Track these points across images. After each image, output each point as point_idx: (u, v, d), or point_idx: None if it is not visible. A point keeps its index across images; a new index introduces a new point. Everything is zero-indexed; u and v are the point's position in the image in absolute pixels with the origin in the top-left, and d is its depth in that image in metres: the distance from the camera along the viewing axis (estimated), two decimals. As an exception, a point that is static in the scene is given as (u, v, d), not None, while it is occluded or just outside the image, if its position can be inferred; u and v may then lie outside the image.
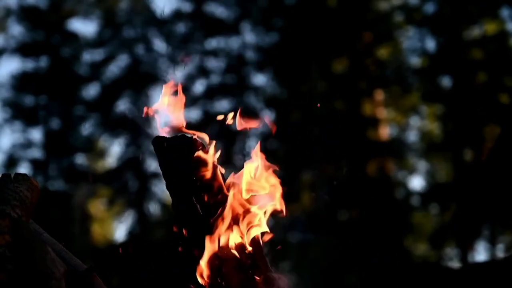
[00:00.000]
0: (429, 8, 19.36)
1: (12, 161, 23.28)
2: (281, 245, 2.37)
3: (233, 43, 22.23)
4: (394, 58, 20.22)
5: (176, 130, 2.38)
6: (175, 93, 2.50)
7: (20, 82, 23.67)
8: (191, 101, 21.82)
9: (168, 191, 2.32)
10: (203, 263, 2.17)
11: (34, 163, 23.48)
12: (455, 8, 17.96)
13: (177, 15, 22.84)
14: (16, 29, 24.39)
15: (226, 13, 22.25)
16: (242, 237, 2.23)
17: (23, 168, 23.48)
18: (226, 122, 2.48)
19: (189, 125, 2.44)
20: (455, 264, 18.69)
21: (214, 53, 22.21)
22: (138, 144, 22.96)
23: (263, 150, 2.43)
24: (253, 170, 2.34)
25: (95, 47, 24.32)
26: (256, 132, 22.06)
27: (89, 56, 24.47)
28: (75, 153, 24.07)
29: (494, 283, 4.01)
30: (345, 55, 19.80)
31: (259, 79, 22.54)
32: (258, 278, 2.19)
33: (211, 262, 2.16)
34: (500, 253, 19.13)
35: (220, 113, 2.50)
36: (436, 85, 19.12)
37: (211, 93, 21.34)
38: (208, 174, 2.24)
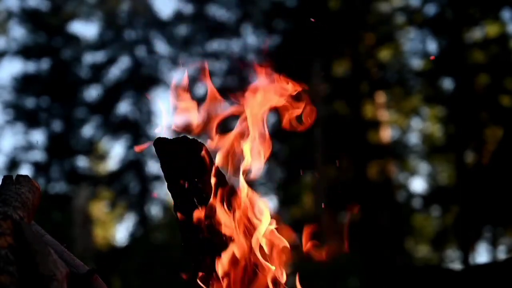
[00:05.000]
0: (430, 10, 19.36)
1: (13, 163, 23.31)
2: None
3: (234, 45, 22.27)
4: (395, 60, 20.22)
5: (177, 131, 2.38)
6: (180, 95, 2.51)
7: (22, 84, 23.71)
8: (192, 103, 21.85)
9: (170, 193, 2.32)
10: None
11: (36, 165, 23.51)
12: (456, 10, 17.95)
13: (178, 17, 22.89)
14: (17, 32, 24.46)
15: (227, 16, 22.29)
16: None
17: (25, 170, 23.52)
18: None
19: (191, 127, 2.44)
20: (457, 266, 18.69)
21: (216, 55, 22.25)
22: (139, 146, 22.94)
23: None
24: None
25: (96, 49, 24.36)
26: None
27: (91, 58, 24.53)
28: (77, 155, 24.10)
29: (496, 285, 4.00)
30: (347, 57, 19.81)
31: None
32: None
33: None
34: (502, 254, 19.14)
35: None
36: (437, 87, 19.11)
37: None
38: (210, 175, 2.25)
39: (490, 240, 19.10)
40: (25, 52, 23.81)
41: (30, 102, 23.90)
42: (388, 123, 19.89)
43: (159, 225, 20.79)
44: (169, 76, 23.56)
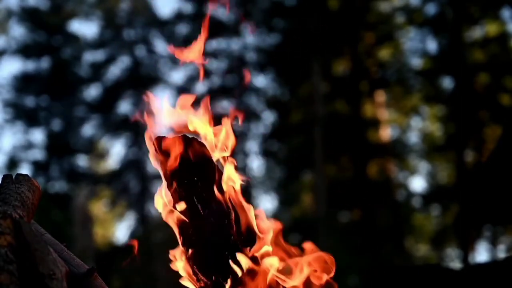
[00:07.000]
0: (430, 9, 19.37)
1: (13, 162, 23.31)
2: None
3: (234, 44, 22.26)
4: (395, 59, 20.22)
5: (177, 130, 2.38)
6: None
7: (21, 83, 23.70)
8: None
9: (169, 191, 2.32)
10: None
11: (35, 164, 23.51)
12: (456, 9, 17.95)
13: (178, 16, 22.87)
14: (17, 31, 24.44)
15: (227, 15, 22.27)
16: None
17: (24, 169, 23.53)
18: None
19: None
20: (456, 265, 18.69)
21: (215, 54, 22.24)
22: (139, 145, 22.98)
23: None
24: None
25: (96, 48, 24.36)
26: (256, 132, 22.08)
27: (90, 57, 24.53)
28: (76, 154, 24.11)
29: (495, 284, 4.00)
30: (346, 56, 19.81)
31: (260, 80, 22.55)
32: None
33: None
34: (502, 253, 19.15)
35: (221, 114, 2.48)
36: (437, 86, 19.11)
37: (212, 94, 21.32)
38: (209, 173, 2.25)
39: (489, 239, 19.11)
40: (25, 51, 23.80)
41: (29, 101, 23.90)
42: (388, 122, 19.89)
43: (159, 224, 20.80)
44: (169, 75, 23.57)
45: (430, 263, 18.48)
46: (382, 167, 19.30)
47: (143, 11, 23.94)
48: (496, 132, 16.66)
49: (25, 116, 23.76)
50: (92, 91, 24.31)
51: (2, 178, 2.11)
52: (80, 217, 13.58)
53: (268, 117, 22.19)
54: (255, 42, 22.02)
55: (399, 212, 19.35)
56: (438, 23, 18.54)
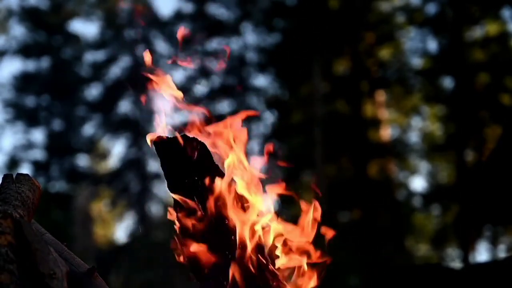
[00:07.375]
0: (431, 9, 19.36)
1: (13, 162, 23.31)
2: None
3: (234, 44, 22.25)
4: (395, 59, 20.21)
5: (178, 130, 2.39)
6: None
7: (22, 83, 23.70)
8: (192, 103, 21.80)
9: (170, 191, 2.32)
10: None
11: (36, 164, 23.51)
12: (456, 9, 17.95)
13: (178, 16, 22.87)
14: (17, 30, 24.45)
15: (227, 14, 22.27)
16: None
17: (25, 169, 23.52)
18: None
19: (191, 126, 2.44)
20: (457, 264, 18.69)
21: (215, 54, 22.22)
22: (139, 145, 22.98)
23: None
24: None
25: (96, 48, 24.36)
26: (257, 132, 22.08)
27: (91, 57, 24.54)
28: (77, 154, 24.11)
29: (496, 284, 4.00)
30: (347, 56, 19.80)
31: (260, 80, 22.56)
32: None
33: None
34: (502, 253, 19.14)
35: (222, 114, 2.49)
36: (437, 86, 19.10)
37: (212, 94, 21.35)
38: (209, 174, 2.25)
39: (490, 239, 19.10)
40: (25, 50, 23.80)
41: (30, 101, 23.91)
42: (388, 122, 19.88)
43: (160, 223, 20.81)
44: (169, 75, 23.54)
45: (430, 262, 18.47)
46: (382, 167, 19.28)
47: (143, 11, 23.92)
48: (496, 132, 16.65)
49: (25, 116, 23.76)
50: (93, 91, 24.33)
51: (3, 178, 2.11)
52: (80, 217, 13.60)
53: (268, 117, 22.18)
54: (255, 42, 22.02)
55: (399, 212, 19.33)
56: (438, 23, 18.53)
